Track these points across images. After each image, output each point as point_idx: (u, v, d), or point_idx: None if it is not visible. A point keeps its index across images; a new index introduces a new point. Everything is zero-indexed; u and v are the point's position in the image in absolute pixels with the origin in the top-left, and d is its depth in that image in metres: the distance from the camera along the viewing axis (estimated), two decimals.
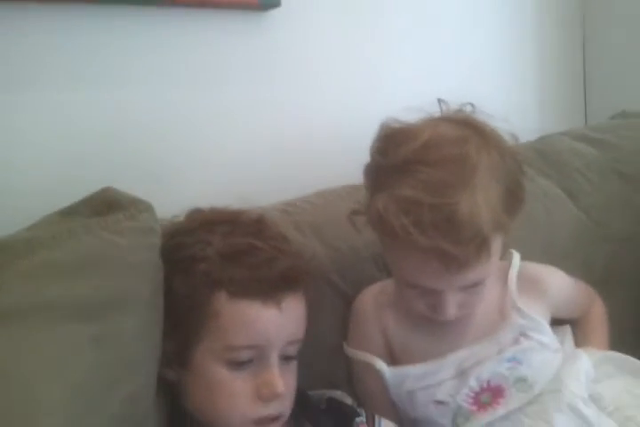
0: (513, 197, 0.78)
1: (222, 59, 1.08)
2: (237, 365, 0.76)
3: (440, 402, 0.86)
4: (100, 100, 0.97)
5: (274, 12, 1.11)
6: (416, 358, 0.88)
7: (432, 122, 0.82)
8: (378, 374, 0.89)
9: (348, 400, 0.90)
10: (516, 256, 0.94)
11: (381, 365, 0.89)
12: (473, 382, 0.85)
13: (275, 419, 0.78)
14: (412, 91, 1.08)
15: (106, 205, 0.76)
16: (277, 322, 0.77)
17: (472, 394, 0.85)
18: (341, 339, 0.94)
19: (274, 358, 0.78)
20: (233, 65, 1.09)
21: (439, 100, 0.85)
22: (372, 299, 0.92)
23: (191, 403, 0.80)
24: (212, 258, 0.76)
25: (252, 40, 1.11)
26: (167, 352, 0.77)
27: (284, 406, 0.79)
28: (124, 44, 0.99)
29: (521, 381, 0.84)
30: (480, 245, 0.73)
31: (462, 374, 0.86)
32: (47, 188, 0.90)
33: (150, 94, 1.02)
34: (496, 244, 0.77)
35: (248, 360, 0.77)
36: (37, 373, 0.64)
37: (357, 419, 0.85)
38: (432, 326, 0.88)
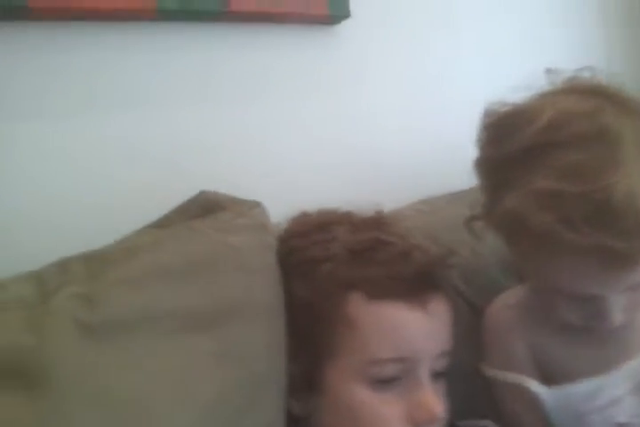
0: None
1: (290, 73, 0.99)
2: (383, 383, 0.62)
3: (623, 425, 0.69)
4: (173, 118, 0.87)
5: (343, 25, 1.03)
6: (578, 374, 0.71)
7: (549, 97, 0.67)
8: (534, 398, 0.72)
9: None
10: None
11: (537, 386, 0.72)
12: None
13: None
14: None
15: (206, 209, 0.64)
16: (426, 328, 0.63)
17: None
18: (473, 356, 0.77)
19: (424, 374, 0.63)
20: (302, 79, 1.00)
21: (547, 71, 0.69)
22: (509, 310, 0.76)
23: None
24: (340, 255, 0.63)
25: (320, 53, 1.01)
26: (292, 377, 0.63)
27: None
28: (187, 61, 0.90)
29: None
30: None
31: None
32: (109, 214, 0.78)
33: (220, 112, 0.92)
34: None
35: (395, 377, 0.62)
36: (157, 396, 0.50)
37: None
38: (591, 335, 0.72)
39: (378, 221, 0.70)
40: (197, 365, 0.53)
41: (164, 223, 0.66)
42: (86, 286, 0.53)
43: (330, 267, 0.62)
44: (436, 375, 0.65)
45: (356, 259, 0.63)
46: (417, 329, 0.62)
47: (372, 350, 0.61)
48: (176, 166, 0.84)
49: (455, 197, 0.90)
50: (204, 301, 0.56)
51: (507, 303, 0.76)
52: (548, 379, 0.72)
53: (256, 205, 0.65)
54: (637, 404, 0.69)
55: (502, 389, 0.75)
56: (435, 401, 0.61)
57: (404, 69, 1.10)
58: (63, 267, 0.57)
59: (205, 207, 0.65)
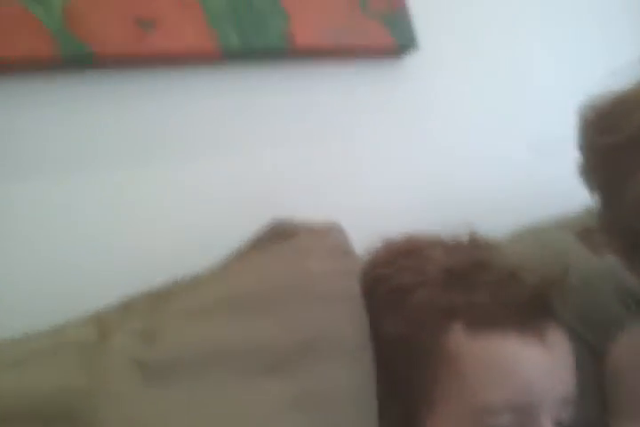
0: None
1: (357, 107, 0.93)
2: None
3: None
4: (242, 161, 0.82)
5: (411, 56, 0.97)
6: None
7: None
8: None
9: None
10: None
11: None
12: None
13: None
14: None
15: (280, 236, 0.57)
16: (545, 365, 0.52)
17: None
18: (596, 409, 0.65)
19: (547, 425, 0.51)
20: (368, 113, 0.94)
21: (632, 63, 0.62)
22: (635, 353, 0.64)
23: None
24: (436, 279, 0.54)
25: (389, 84, 0.97)
26: None
27: None
28: (255, 102, 0.86)
29: None
30: None
31: None
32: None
33: (287, 152, 0.87)
34: None
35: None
36: None
37: None
38: None
39: (473, 244, 0.60)
40: (272, 412, 0.45)
41: (236, 255, 0.59)
42: (146, 320, 0.46)
43: (424, 293, 0.53)
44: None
45: (455, 283, 0.53)
46: (535, 366, 0.51)
47: (482, 395, 0.50)
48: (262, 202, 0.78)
49: (558, 223, 0.79)
50: (280, 335, 0.48)
51: (635, 341, 0.64)
52: None
53: (333, 226, 0.56)
54: None
55: None
56: None
57: (473, 99, 1.04)
58: (125, 305, 0.50)
59: (279, 234, 0.57)
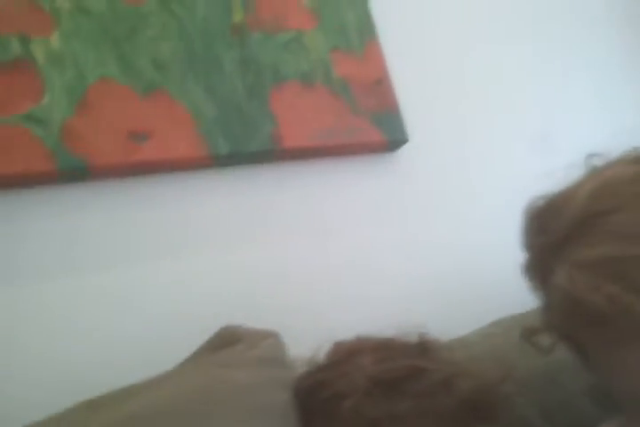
0: None
1: (351, 204, 0.96)
2: None
3: None
4: (237, 260, 0.86)
5: (401, 150, 1.00)
6: None
7: (592, 173, 0.58)
8: None
9: None
10: None
11: None
12: None
13: None
14: None
15: (227, 342, 0.59)
16: None
17: None
18: None
19: None
20: (363, 208, 0.97)
21: (588, 156, 0.60)
22: None
23: None
24: (363, 389, 0.54)
25: (380, 180, 0.99)
26: None
27: None
28: (245, 204, 0.90)
29: None
30: None
31: None
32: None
33: (284, 248, 0.90)
34: None
35: None
36: None
37: None
38: None
39: (421, 346, 0.61)
40: None
41: (192, 359, 0.62)
42: None
43: (350, 404, 0.54)
44: None
45: (383, 392, 0.54)
46: None
47: None
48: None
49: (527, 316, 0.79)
50: None
51: None
52: None
53: (270, 335, 0.59)
54: None
55: None
56: None
57: (464, 188, 1.04)
58: (65, 414, 0.53)
59: (225, 340, 0.60)
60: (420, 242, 0.98)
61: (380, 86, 0.97)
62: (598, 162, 0.58)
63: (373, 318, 0.83)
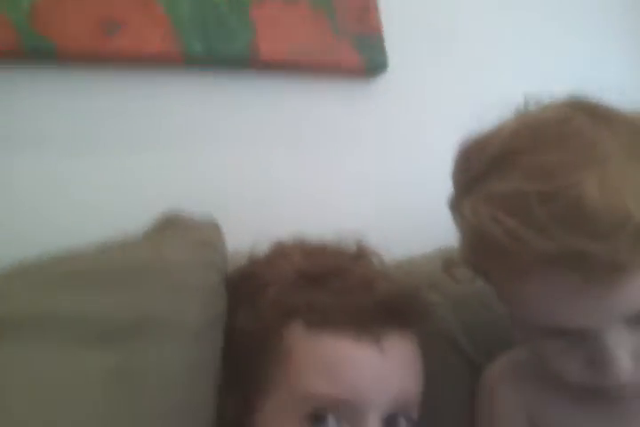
0: None
1: (324, 125, 0.95)
2: (316, 424, 0.52)
3: None
4: (199, 161, 0.85)
5: (380, 77, 0.99)
6: None
7: (520, 114, 0.58)
8: None
9: None
10: None
11: None
12: None
13: None
14: None
15: (164, 227, 0.59)
16: (377, 366, 0.53)
17: None
18: (468, 423, 0.64)
19: (372, 423, 0.51)
20: (335, 130, 0.96)
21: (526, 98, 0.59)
22: (509, 371, 0.63)
23: None
24: (288, 280, 0.55)
25: (356, 106, 0.97)
26: (224, 419, 0.54)
27: None
28: (214, 108, 0.88)
29: None
30: (635, 237, 0.45)
31: None
32: None
33: (251, 155, 0.89)
34: None
35: (329, 417, 0.52)
36: (23, 409, 0.44)
37: None
38: (601, 404, 0.58)
39: (357, 251, 0.62)
40: (87, 381, 0.47)
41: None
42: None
43: (275, 291, 0.55)
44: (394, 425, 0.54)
45: (306, 284, 0.55)
46: (363, 367, 0.52)
47: (302, 387, 0.52)
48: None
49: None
50: (115, 311, 0.51)
51: (506, 363, 0.64)
52: None
53: (211, 223, 0.59)
54: None
55: None
56: None
57: (441, 119, 1.03)
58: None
59: (166, 223, 0.60)
60: (389, 172, 0.97)
61: (366, 13, 0.95)
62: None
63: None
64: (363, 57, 0.95)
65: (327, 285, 0.55)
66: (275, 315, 0.54)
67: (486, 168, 0.52)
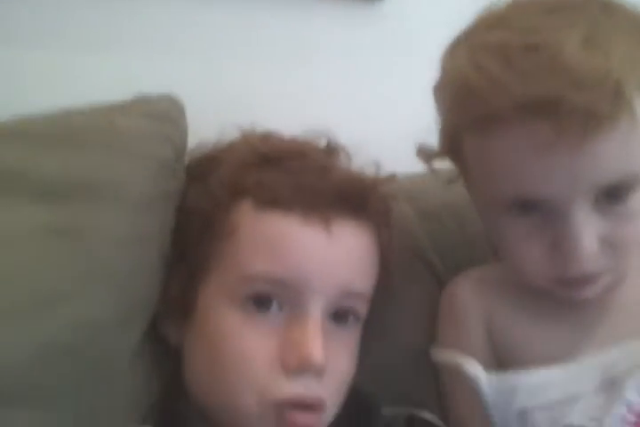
0: None
1: (327, 44, 0.91)
2: (256, 308, 0.49)
3: None
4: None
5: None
6: (536, 361, 0.54)
7: None
8: (472, 385, 0.55)
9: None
10: None
11: (476, 368, 0.55)
12: (634, 396, 0.50)
13: (308, 407, 0.48)
14: None
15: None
16: (323, 250, 0.50)
17: (633, 417, 0.50)
18: (432, 339, 0.62)
19: (314, 308, 0.49)
20: (339, 50, 0.91)
21: None
22: (471, 283, 0.60)
23: (190, 372, 0.52)
24: (243, 160, 0.53)
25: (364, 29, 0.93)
26: (170, 298, 0.52)
27: (324, 389, 0.49)
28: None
29: None
30: (614, 93, 0.43)
31: (612, 384, 0.52)
32: None
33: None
34: None
35: (272, 303, 0.49)
36: None
37: None
38: (561, 315, 0.56)
39: (327, 148, 0.59)
40: (29, 234, 0.46)
41: None
42: None
43: (226, 169, 0.52)
44: (340, 319, 0.52)
45: (260, 164, 0.52)
46: (306, 247, 0.49)
47: (244, 265, 0.49)
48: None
49: None
50: (59, 173, 0.49)
51: (470, 277, 0.61)
52: (506, 367, 0.56)
53: (172, 99, 0.57)
54: (601, 405, 0.50)
55: (444, 374, 0.59)
56: (313, 343, 0.47)
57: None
58: None
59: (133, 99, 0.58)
60: (385, 93, 0.92)
61: None
62: None
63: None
64: None
65: (282, 166, 0.52)
66: (224, 192, 0.52)
67: (474, 25, 0.52)
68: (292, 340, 0.48)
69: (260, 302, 0.49)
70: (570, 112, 0.43)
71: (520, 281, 0.55)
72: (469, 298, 0.59)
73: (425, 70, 0.95)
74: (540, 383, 0.53)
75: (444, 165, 0.64)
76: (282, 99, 0.84)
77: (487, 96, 0.46)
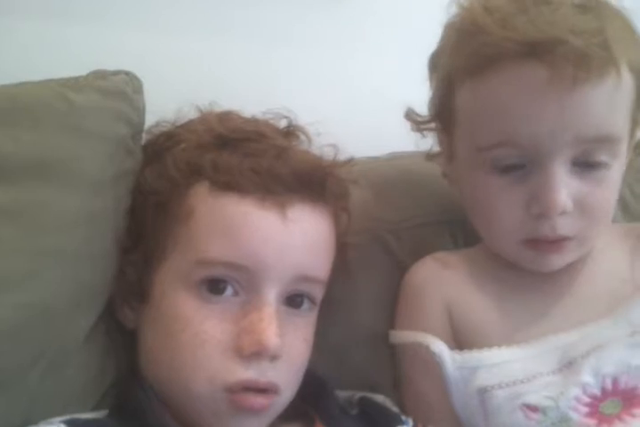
0: None
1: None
2: (212, 293, 0.48)
3: (533, 408, 0.51)
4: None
5: None
6: (496, 343, 0.55)
7: None
8: (434, 362, 0.56)
9: (395, 409, 0.57)
10: None
11: (440, 346, 0.56)
12: (588, 378, 0.51)
13: (261, 391, 0.47)
14: None
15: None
16: (278, 235, 0.49)
17: (587, 398, 0.51)
18: (389, 323, 0.62)
19: (269, 293, 0.48)
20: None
21: None
22: (434, 267, 0.61)
23: (145, 356, 0.51)
24: (199, 140, 0.51)
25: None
26: (127, 281, 0.51)
27: (278, 374, 0.48)
28: None
29: None
30: (603, 47, 0.48)
31: (570, 365, 0.52)
32: None
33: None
34: (626, 86, 0.51)
35: (228, 288, 0.48)
36: None
37: None
38: (523, 298, 0.57)
39: (286, 128, 0.58)
40: None
41: None
42: None
43: (182, 150, 0.51)
44: (295, 305, 0.51)
45: (217, 146, 0.51)
46: (262, 232, 0.48)
47: (200, 249, 0.48)
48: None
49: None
50: (12, 151, 0.47)
51: (432, 258, 0.62)
52: (466, 347, 0.57)
53: (125, 74, 0.55)
54: (559, 385, 0.52)
55: (403, 355, 0.59)
56: (267, 328, 0.47)
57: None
58: None
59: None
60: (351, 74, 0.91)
61: None
62: None
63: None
64: None
65: (239, 148, 0.51)
66: (180, 173, 0.50)
67: None
68: (246, 325, 0.47)
69: (215, 287, 0.48)
70: (564, 55, 0.47)
71: (485, 263, 0.58)
72: (431, 281, 0.59)
73: (383, 55, 0.95)
74: (500, 362, 0.53)
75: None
76: (243, 78, 0.83)
77: (494, 34, 0.49)
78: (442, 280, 0.59)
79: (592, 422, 0.50)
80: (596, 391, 0.51)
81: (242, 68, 0.81)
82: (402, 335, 0.59)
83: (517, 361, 0.53)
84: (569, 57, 0.47)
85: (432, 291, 0.59)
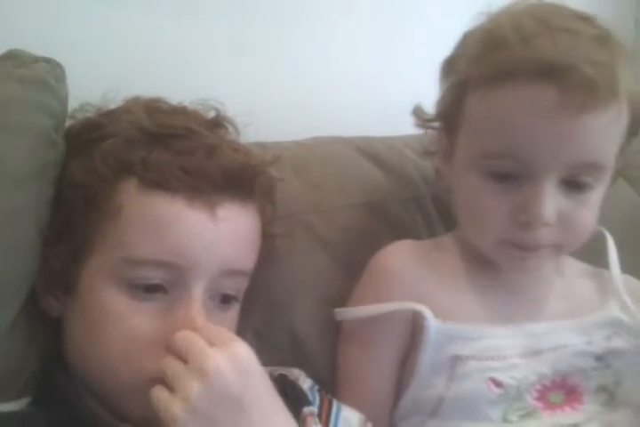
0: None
1: None
2: (142, 291, 0.48)
3: (497, 383, 0.56)
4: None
5: None
6: (469, 320, 0.59)
7: None
8: (415, 329, 0.59)
9: (307, 383, 0.60)
10: (610, 238, 0.67)
11: (429, 313, 0.57)
12: (546, 370, 0.58)
13: None
14: None
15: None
16: (208, 234, 0.49)
17: (539, 386, 0.58)
18: (311, 298, 0.64)
19: (197, 289, 0.49)
20: None
21: None
22: (405, 251, 0.63)
23: (71, 344, 0.52)
24: (128, 135, 0.50)
25: None
26: (51, 271, 0.50)
27: None
28: None
29: (602, 390, 0.59)
30: (612, 79, 0.52)
31: (535, 354, 0.59)
32: None
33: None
34: (622, 119, 0.54)
35: (158, 286, 0.49)
36: None
37: (305, 409, 0.55)
38: (501, 287, 0.61)
39: (214, 120, 0.57)
40: None
41: None
42: None
43: (110, 145, 0.50)
44: (223, 300, 0.52)
45: (146, 142, 0.50)
46: (194, 231, 0.49)
47: (131, 247, 0.48)
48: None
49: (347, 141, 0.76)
50: None
51: (404, 245, 0.63)
52: None
53: (50, 61, 0.52)
54: (522, 368, 0.57)
55: (357, 328, 0.61)
56: (196, 324, 0.47)
57: None
58: None
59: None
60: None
61: None
62: None
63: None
64: None
65: (168, 145, 0.50)
66: (108, 169, 0.49)
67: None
68: (175, 321, 0.48)
69: (145, 286, 0.48)
70: (577, 81, 0.50)
71: (460, 251, 0.62)
72: (401, 264, 0.61)
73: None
74: (477, 338, 0.57)
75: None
76: (170, 60, 0.78)
77: (517, 52, 0.52)
78: (412, 265, 0.61)
79: (539, 405, 0.57)
80: (548, 383, 0.57)
81: (168, 48, 0.77)
82: (370, 309, 0.59)
83: (492, 339, 0.58)
84: (581, 84, 0.50)
85: (401, 275, 0.60)
